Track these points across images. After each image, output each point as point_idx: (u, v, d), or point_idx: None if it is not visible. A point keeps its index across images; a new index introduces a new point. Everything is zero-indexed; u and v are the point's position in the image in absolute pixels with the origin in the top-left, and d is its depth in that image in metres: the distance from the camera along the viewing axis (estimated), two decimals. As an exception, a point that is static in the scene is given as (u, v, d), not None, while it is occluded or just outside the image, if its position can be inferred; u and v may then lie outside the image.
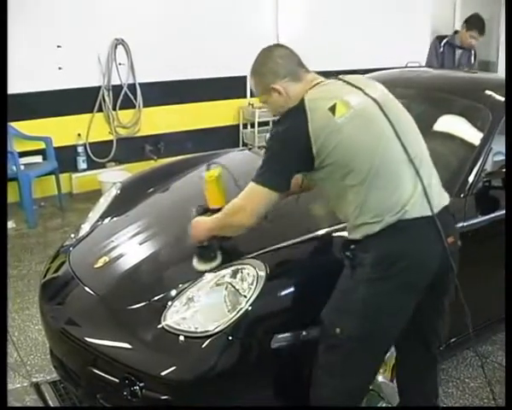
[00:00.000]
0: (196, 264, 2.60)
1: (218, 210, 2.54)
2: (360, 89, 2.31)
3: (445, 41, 5.98)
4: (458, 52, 5.98)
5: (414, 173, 2.19)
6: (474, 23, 5.86)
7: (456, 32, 6.21)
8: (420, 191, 2.18)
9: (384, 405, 2.73)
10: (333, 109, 2.19)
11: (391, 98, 2.38)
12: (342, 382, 2.27)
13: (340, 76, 2.40)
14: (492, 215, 3.05)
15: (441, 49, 5.94)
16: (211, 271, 2.54)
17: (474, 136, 3.15)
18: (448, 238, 2.21)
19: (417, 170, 2.20)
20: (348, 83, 2.35)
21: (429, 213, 2.17)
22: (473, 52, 6.04)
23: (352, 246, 2.24)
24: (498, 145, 3.17)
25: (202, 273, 2.54)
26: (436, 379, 2.65)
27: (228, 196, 2.65)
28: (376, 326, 2.22)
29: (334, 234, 2.68)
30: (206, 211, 2.71)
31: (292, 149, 2.23)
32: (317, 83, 2.35)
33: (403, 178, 2.18)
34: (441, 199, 2.29)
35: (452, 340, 2.97)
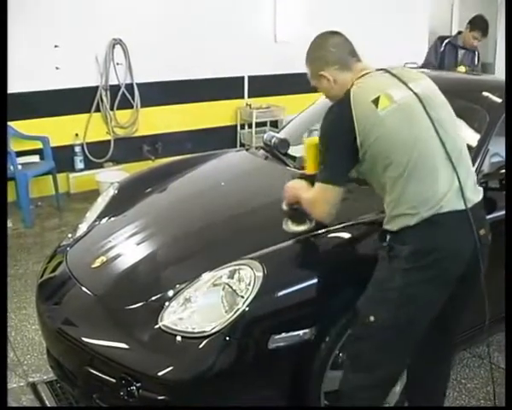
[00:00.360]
0: (288, 225, 2.69)
1: (314, 176, 2.52)
2: (404, 83, 2.36)
3: (446, 41, 6.01)
4: (461, 52, 6.00)
5: (451, 169, 2.25)
6: (478, 24, 5.88)
7: (459, 32, 6.22)
8: (456, 187, 2.24)
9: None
10: (376, 102, 2.26)
11: (434, 94, 2.42)
12: (370, 372, 2.31)
13: (388, 68, 2.45)
14: (490, 216, 3.04)
15: (442, 48, 5.96)
16: (302, 233, 2.63)
17: (471, 137, 3.15)
18: (480, 231, 2.28)
19: (454, 166, 2.25)
20: (394, 76, 2.40)
21: (463, 208, 2.23)
22: (476, 53, 6.06)
23: (388, 237, 2.29)
24: (495, 147, 3.17)
25: (290, 235, 2.61)
26: (449, 372, 2.74)
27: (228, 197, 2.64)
28: (409, 316, 2.26)
29: (332, 235, 2.69)
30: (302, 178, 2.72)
31: (341, 143, 2.30)
32: (365, 73, 2.40)
33: (440, 173, 2.24)
34: (475, 194, 2.34)
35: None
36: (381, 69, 2.45)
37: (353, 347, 2.37)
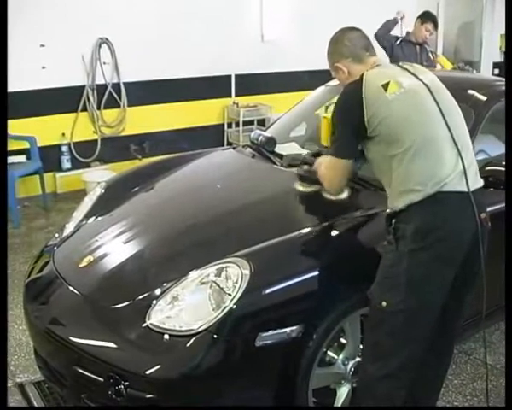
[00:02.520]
0: (297, 185, 3.03)
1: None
2: (415, 75, 2.50)
3: (401, 39, 6.26)
4: (418, 49, 6.23)
5: (456, 153, 2.36)
6: (429, 16, 6.23)
7: (408, 32, 6.43)
8: (459, 169, 2.34)
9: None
10: (385, 87, 2.39)
11: (441, 86, 2.55)
12: (386, 361, 2.36)
13: (401, 64, 2.61)
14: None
15: (397, 43, 6.25)
16: (309, 193, 2.96)
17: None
18: (481, 214, 2.35)
19: (459, 150, 2.36)
20: (405, 69, 2.55)
21: (466, 190, 2.32)
22: (428, 48, 6.33)
23: (394, 220, 2.38)
24: (481, 144, 3.19)
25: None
26: (450, 359, 2.82)
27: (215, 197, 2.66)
28: (420, 297, 2.32)
29: (319, 232, 2.70)
30: (319, 154, 3.02)
31: (350, 119, 2.43)
32: (377, 65, 2.57)
33: (445, 154, 2.35)
34: (477, 181, 2.43)
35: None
36: (394, 64, 2.65)
37: (369, 336, 2.46)
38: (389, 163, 2.40)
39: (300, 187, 3.04)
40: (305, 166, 3.06)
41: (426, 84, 2.46)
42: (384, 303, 2.32)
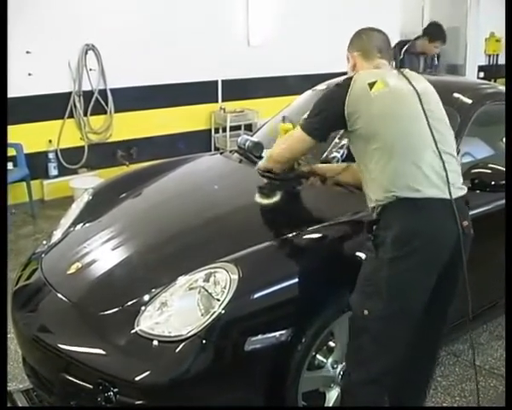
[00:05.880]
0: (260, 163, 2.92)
1: None
2: (408, 80, 2.51)
3: (404, 49, 6.13)
4: (421, 59, 6.13)
5: (438, 159, 2.34)
6: (437, 34, 6.05)
7: (417, 38, 6.32)
8: (442, 175, 2.32)
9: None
10: (372, 85, 2.41)
11: (434, 97, 2.55)
12: (368, 367, 2.36)
13: (401, 69, 2.62)
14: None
15: (401, 56, 6.08)
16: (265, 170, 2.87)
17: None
18: (463, 222, 2.33)
19: (442, 157, 2.34)
20: (401, 73, 2.56)
21: (448, 197, 2.30)
22: (435, 55, 6.25)
23: (374, 227, 2.36)
24: (466, 147, 3.22)
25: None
26: (433, 367, 2.81)
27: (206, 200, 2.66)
28: (401, 304, 2.32)
29: (306, 236, 2.71)
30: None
31: (330, 107, 2.49)
32: (380, 67, 2.60)
33: (425, 157, 2.33)
34: (460, 188, 2.41)
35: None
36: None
37: (352, 342, 2.43)
38: (367, 160, 2.41)
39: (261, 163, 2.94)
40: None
41: (416, 90, 2.46)
42: (366, 311, 2.31)
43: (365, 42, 2.66)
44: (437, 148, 2.35)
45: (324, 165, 3.03)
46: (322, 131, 2.55)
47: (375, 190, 2.38)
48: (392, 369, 2.47)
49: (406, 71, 2.60)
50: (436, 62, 6.15)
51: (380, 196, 2.34)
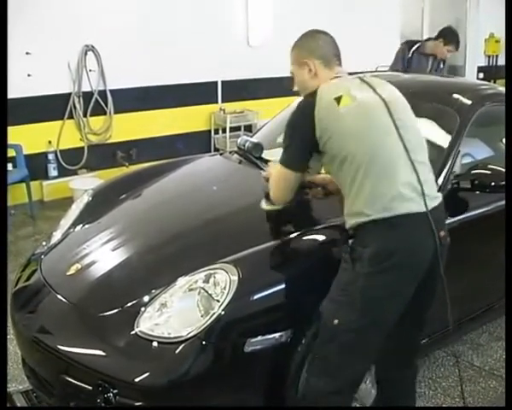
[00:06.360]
0: (263, 204, 2.79)
1: None
2: (372, 88, 2.46)
3: (414, 48, 6.08)
4: (430, 60, 6.10)
5: (412, 171, 2.29)
6: (451, 38, 6.00)
7: (427, 39, 6.30)
8: (415, 187, 2.27)
9: (358, 405, 2.76)
10: (338, 100, 2.35)
11: (398, 99, 2.50)
12: (334, 377, 2.31)
13: (361, 75, 2.58)
14: (461, 217, 3.09)
15: (409, 55, 6.04)
16: (273, 211, 2.76)
17: (442, 138, 3.19)
18: (440, 232, 2.30)
19: (415, 168, 2.29)
20: (364, 81, 2.51)
21: (423, 210, 2.25)
22: (443, 59, 6.18)
23: (351, 240, 2.32)
24: (466, 148, 3.22)
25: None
26: (416, 376, 2.72)
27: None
28: (373, 318, 2.28)
29: (305, 238, 2.71)
30: None
31: (301, 133, 2.42)
32: (340, 76, 2.54)
33: (399, 172, 2.28)
34: (435, 198, 2.37)
35: (424, 340, 3.00)
36: (355, 75, 2.57)
37: (319, 350, 2.36)
38: (341, 181, 2.37)
39: (266, 206, 2.81)
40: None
41: (382, 98, 2.40)
42: (336, 321, 2.26)
43: (325, 48, 2.57)
44: (410, 160, 2.29)
45: (322, 176, 2.87)
46: (302, 159, 2.47)
47: (350, 213, 2.33)
48: (360, 380, 2.46)
49: (368, 77, 2.55)
50: (442, 66, 6.15)
51: (356, 220, 2.28)
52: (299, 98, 2.57)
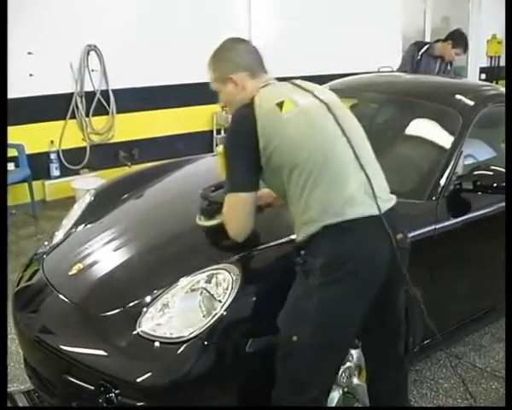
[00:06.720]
0: (198, 220, 2.75)
1: None
2: (310, 92, 2.38)
3: (423, 50, 6.11)
4: (438, 62, 6.12)
5: (362, 173, 2.21)
6: (460, 41, 6.03)
7: (436, 41, 6.32)
8: (367, 191, 2.19)
9: (358, 405, 2.76)
10: (280, 105, 2.25)
11: (339, 102, 2.43)
12: (301, 393, 2.24)
13: (292, 80, 2.48)
14: (464, 218, 3.09)
15: (418, 57, 6.05)
16: (211, 226, 2.69)
17: (445, 139, 3.19)
18: (396, 235, 2.21)
19: (365, 171, 2.22)
20: (299, 86, 2.42)
21: (376, 213, 2.17)
22: (451, 61, 6.22)
23: (302, 252, 2.24)
24: (469, 149, 3.22)
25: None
26: (406, 384, 2.64)
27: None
28: (332, 331, 2.21)
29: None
30: (220, 186, 2.74)
31: (245, 147, 2.29)
32: (270, 83, 2.43)
33: (349, 177, 2.20)
34: (388, 199, 2.29)
35: (426, 341, 3.00)
36: (286, 82, 2.47)
37: (282, 366, 2.27)
38: (290, 192, 2.25)
39: (201, 222, 2.77)
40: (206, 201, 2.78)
41: (323, 102, 2.32)
42: (294, 337, 2.18)
43: (248, 59, 2.44)
44: (360, 164, 2.21)
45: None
46: (253, 175, 2.32)
47: (301, 223, 2.24)
48: (328, 390, 2.40)
49: (298, 82, 2.46)
50: (449, 68, 6.17)
51: (307, 230, 2.20)
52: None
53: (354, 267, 2.14)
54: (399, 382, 2.59)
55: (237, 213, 2.40)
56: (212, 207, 2.69)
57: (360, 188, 2.19)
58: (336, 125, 2.27)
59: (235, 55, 2.45)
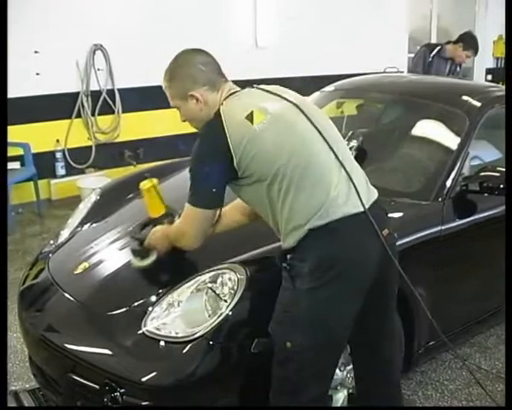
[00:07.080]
0: (132, 262, 2.68)
1: (159, 219, 2.69)
2: (277, 95, 2.32)
3: (434, 52, 6.12)
4: (448, 64, 6.14)
5: (343, 171, 2.18)
6: (470, 43, 6.07)
7: (447, 42, 6.32)
8: (349, 189, 2.17)
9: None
10: (250, 118, 2.19)
11: (307, 101, 2.40)
12: (297, 396, 2.23)
13: (256, 85, 2.41)
14: (470, 219, 3.08)
15: (430, 58, 6.07)
16: (145, 267, 2.62)
17: (451, 141, 3.19)
18: (383, 231, 2.20)
19: (346, 168, 2.19)
20: (265, 91, 2.36)
21: (360, 210, 2.15)
22: (461, 63, 6.26)
23: (289, 256, 2.21)
24: (475, 150, 3.21)
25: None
26: (396, 385, 2.59)
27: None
28: (325, 333, 2.19)
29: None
30: (148, 223, 2.77)
31: (214, 164, 2.22)
32: (233, 92, 2.35)
33: (331, 177, 2.16)
34: (370, 194, 2.26)
35: (431, 343, 3.00)
36: (250, 87, 2.41)
37: (278, 371, 2.25)
38: (272, 203, 2.20)
39: (136, 263, 2.68)
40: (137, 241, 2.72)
41: (293, 103, 2.27)
42: (288, 344, 2.16)
43: (207, 71, 2.34)
44: (340, 162, 2.18)
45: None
46: (216, 195, 2.27)
47: (287, 231, 2.19)
48: (325, 394, 2.38)
49: (264, 86, 2.38)
50: (458, 69, 6.19)
51: (294, 236, 2.16)
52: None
53: (342, 269, 2.12)
54: (390, 396, 2.52)
55: (192, 226, 2.38)
56: (144, 247, 2.65)
57: (343, 186, 2.16)
58: (310, 124, 2.22)
59: (193, 69, 2.36)
